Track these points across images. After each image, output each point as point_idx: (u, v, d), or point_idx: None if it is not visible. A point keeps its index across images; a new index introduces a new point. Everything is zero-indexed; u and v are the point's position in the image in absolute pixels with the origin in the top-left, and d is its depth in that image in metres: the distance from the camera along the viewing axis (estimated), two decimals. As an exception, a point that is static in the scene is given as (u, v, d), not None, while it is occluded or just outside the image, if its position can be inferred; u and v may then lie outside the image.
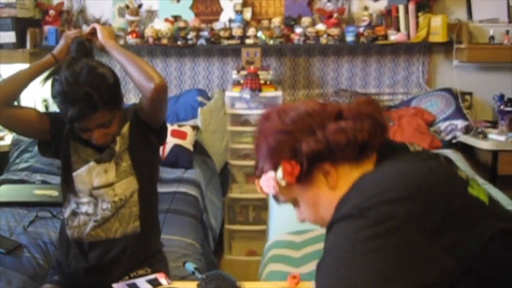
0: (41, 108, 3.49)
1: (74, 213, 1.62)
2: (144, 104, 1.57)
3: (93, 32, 1.62)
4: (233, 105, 3.34)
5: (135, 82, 1.53)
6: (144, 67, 1.51)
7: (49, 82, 1.53)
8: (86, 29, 3.60)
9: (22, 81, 1.57)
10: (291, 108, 1.01)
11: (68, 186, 1.64)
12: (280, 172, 0.96)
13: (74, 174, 1.61)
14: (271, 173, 0.98)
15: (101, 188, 1.60)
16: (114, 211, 1.60)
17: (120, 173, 1.61)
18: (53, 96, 1.50)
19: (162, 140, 1.71)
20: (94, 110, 1.46)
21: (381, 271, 0.75)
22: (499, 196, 2.41)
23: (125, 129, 1.63)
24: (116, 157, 1.60)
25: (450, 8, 3.52)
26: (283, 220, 2.31)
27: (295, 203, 1.02)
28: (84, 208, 1.61)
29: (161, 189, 1.83)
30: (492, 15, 3.44)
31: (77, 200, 1.62)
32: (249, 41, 3.42)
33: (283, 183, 0.96)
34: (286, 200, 1.02)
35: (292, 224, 2.24)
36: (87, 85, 1.45)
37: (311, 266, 1.82)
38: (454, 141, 3.25)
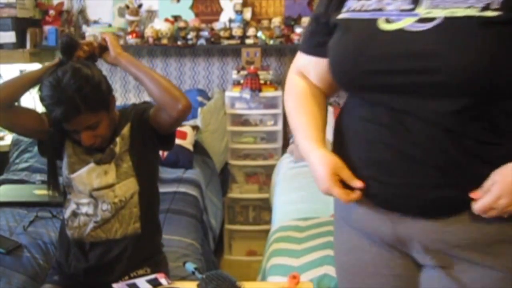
0: (41, 109, 3.49)
1: (74, 214, 1.62)
2: (162, 118, 1.55)
3: (104, 46, 1.58)
4: (233, 105, 3.35)
5: (157, 100, 1.52)
6: (167, 87, 1.50)
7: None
8: (86, 29, 3.62)
9: (27, 82, 1.55)
10: None
11: (67, 187, 1.64)
12: None
13: (74, 175, 1.61)
14: None
15: (101, 190, 1.59)
16: (114, 212, 1.60)
17: (120, 175, 1.60)
18: (40, 99, 1.50)
19: (170, 146, 1.70)
20: (77, 113, 1.46)
21: None
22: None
23: (126, 130, 1.62)
24: (116, 158, 1.60)
25: (450, 8, 3.52)
26: (287, 211, 2.33)
27: None
28: (84, 209, 1.61)
29: (161, 189, 1.83)
30: (492, 15, 3.44)
31: (77, 201, 1.62)
32: (249, 41, 3.42)
33: None
34: None
35: (296, 212, 2.26)
36: (69, 89, 1.45)
37: (312, 257, 1.83)
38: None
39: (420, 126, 0.98)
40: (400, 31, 0.98)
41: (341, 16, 1.09)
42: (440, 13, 0.95)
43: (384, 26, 1.01)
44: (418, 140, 0.99)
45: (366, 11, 1.05)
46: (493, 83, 0.93)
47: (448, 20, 0.94)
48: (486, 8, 0.92)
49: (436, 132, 0.97)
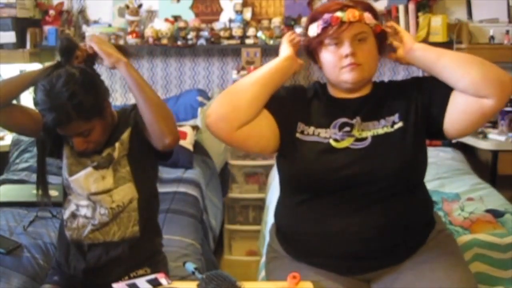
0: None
1: (74, 215, 1.62)
2: (152, 141, 1.52)
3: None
4: (233, 105, 3.34)
5: (147, 124, 1.48)
6: (160, 115, 1.45)
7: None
8: (86, 29, 3.62)
9: (24, 82, 1.54)
10: None
11: (67, 188, 1.63)
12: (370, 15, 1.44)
13: (72, 178, 1.60)
14: (368, 13, 1.43)
15: (99, 194, 1.58)
16: (112, 217, 1.59)
17: (118, 180, 1.59)
18: (34, 103, 1.48)
19: (169, 157, 1.66)
20: (68, 121, 1.44)
21: None
22: (497, 197, 2.41)
23: (125, 135, 1.60)
24: (114, 163, 1.59)
25: (450, 8, 3.52)
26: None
27: (363, 38, 1.42)
28: (83, 211, 1.60)
29: (161, 189, 1.83)
30: (492, 15, 3.44)
31: (76, 202, 1.61)
32: (249, 41, 3.42)
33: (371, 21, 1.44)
34: (358, 30, 1.40)
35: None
36: (62, 95, 1.42)
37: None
38: (454, 140, 3.25)
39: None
40: (347, 148, 1.44)
41: (300, 136, 1.49)
42: (368, 134, 1.45)
43: (334, 144, 1.45)
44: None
45: (318, 135, 1.47)
46: (408, 174, 1.44)
47: (374, 138, 1.44)
48: (393, 124, 1.45)
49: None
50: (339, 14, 1.40)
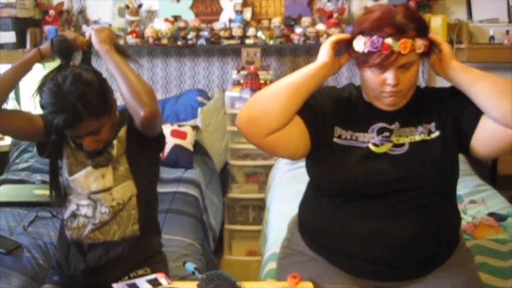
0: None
1: (74, 215, 1.62)
2: (136, 122, 1.52)
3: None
4: (233, 105, 3.34)
5: (125, 101, 1.47)
6: (137, 90, 1.44)
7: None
8: (86, 29, 3.62)
9: (9, 82, 1.54)
10: None
11: (67, 188, 1.63)
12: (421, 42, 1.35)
13: (72, 177, 1.60)
14: (420, 40, 1.35)
15: (99, 193, 1.59)
16: (112, 215, 1.59)
17: (117, 177, 1.59)
18: (41, 107, 1.48)
19: (161, 148, 1.67)
20: (79, 120, 1.44)
21: None
22: (499, 199, 2.40)
23: (122, 132, 1.61)
24: (113, 161, 1.59)
25: (450, 8, 3.52)
26: (280, 229, 2.28)
27: (408, 66, 1.36)
28: (83, 210, 1.61)
29: (161, 189, 1.83)
30: (492, 15, 3.44)
31: (77, 202, 1.61)
32: (249, 41, 3.42)
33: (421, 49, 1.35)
34: (406, 61, 1.35)
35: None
36: (71, 95, 1.43)
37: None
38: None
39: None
40: (386, 154, 1.43)
41: (337, 141, 1.46)
42: (405, 140, 1.43)
43: (374, 149, 1.43)
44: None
45: (357, 140, 1.44)
46: (444, 183, 1.45)
47: (411, 145, 1.43)
48: (430, 132, 1.44)
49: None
50: (390, 41, 1.32)
